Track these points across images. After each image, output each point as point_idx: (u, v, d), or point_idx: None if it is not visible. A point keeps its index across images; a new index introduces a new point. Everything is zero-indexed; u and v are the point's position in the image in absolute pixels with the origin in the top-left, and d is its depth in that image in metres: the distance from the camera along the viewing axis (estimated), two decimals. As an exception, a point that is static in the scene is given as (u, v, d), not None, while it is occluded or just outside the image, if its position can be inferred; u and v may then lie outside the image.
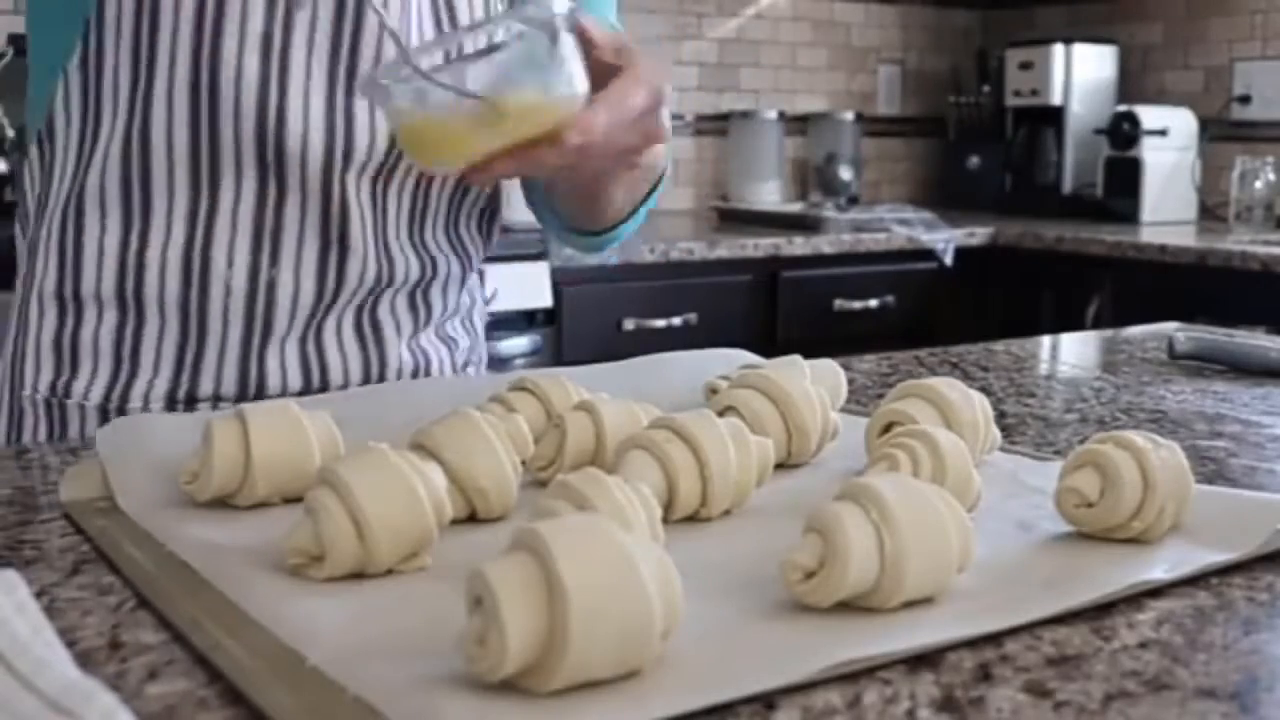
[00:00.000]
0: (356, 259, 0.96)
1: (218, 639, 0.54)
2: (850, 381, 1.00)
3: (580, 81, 0.78)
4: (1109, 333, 1.47)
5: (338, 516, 0.60)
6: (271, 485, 0.71)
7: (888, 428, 0.80)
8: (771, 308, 2.75)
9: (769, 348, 1.11)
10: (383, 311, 1.01)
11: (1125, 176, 3.16)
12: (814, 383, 0.84)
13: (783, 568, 0.57)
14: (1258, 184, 3.06)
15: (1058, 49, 3.30)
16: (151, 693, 0.50)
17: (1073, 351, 1.38)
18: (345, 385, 1.00)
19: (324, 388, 1.00)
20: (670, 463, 0.69)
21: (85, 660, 0.52)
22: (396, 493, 0.61)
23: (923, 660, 0.53)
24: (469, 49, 0.87)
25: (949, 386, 0.81)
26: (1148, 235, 2.85)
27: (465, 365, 1.12)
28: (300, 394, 0.97)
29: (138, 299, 0.95)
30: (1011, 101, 3.38)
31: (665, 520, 0.65)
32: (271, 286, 0.95)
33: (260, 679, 0.50)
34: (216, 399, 0.97)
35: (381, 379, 1.02)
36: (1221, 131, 3.23)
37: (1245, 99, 3.24)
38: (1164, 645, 0.55)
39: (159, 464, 0.74)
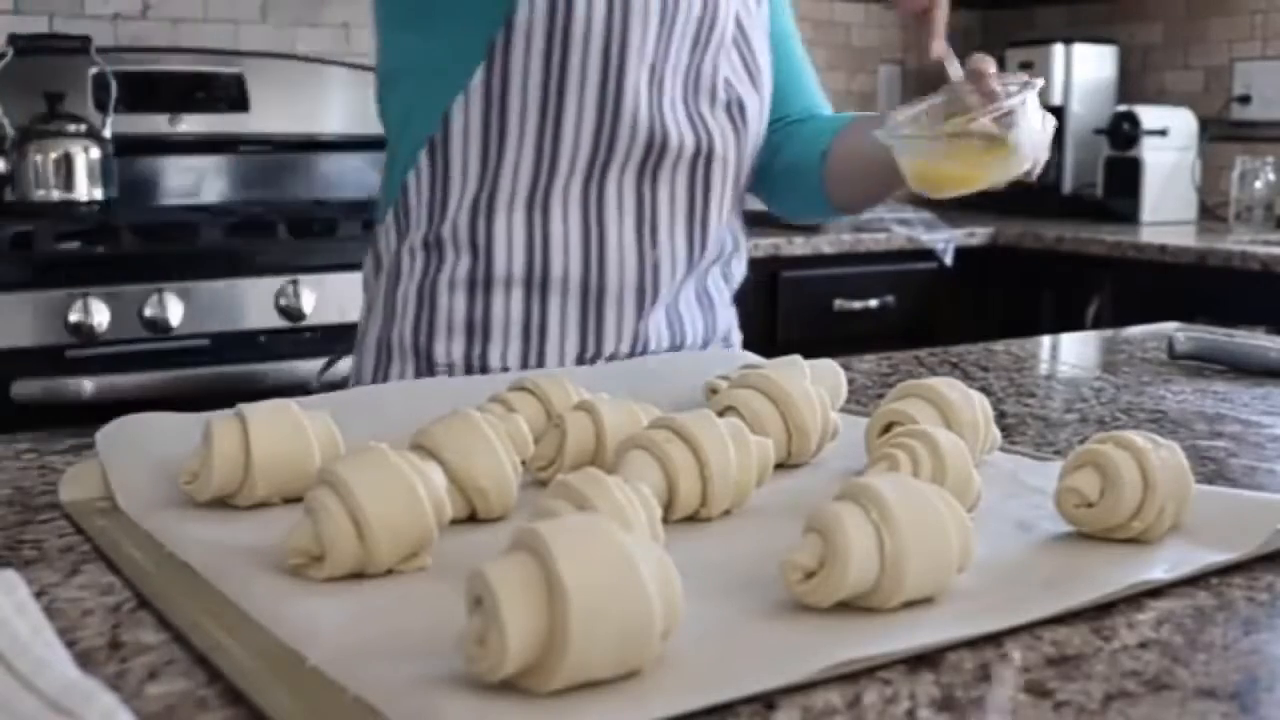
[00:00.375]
0: (714, 233, 1.18)
1: (218, 639, 0.54)
2: (850, 381, 1.00)
3: (1041, 131, 0.99)
4: (1109, 333, 1.47)
5: (338, 516, 0.60)
6: (271, 485, 0.71)
7: (888, 428, 0.80)
8: (771, 308, 2.74)
9: (769, 348, 1.11)
10: (711, 281, 1.24)
11: (1125, 176, 3.16)
12: (814, 383, 0.84)
13: (783, 568, 0.57)
14: (1258, 184, 3.05)
15: (1058, 49, 3.30)
16: (151, 693, 0.50)
17: (1073, 351, 1.38)
18: (699, 345, 1.21)
19: (680, 346, 1.19)
20: (670, 463, 0.69)
21: (85, 660, 0.52)
22: (396, 493, 0.61)
23: (923, 660, 0.53)
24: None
25: (949, 386, 0.81)
26: (1148, 235, 2.85)
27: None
28: (670, 348, 1.18)
29: (544, 280, 1.12)
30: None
31: (665, 520, 0.65)
32: (655, 264, 1.15)
33: (260, 679, 0.50)
34: (612, 358, 1.14)
35: (706, 345, 1.22)
36: (1221, 131, 3.23)
37: (1245, 99, 3.24)
38: (1164, 645, 0.55)
39: (159, 464, 0.74)
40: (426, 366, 1.13)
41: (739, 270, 1.28)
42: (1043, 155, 1.01)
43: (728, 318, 1.27)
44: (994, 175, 0.99)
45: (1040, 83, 0.98)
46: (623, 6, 1.06)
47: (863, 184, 1.22)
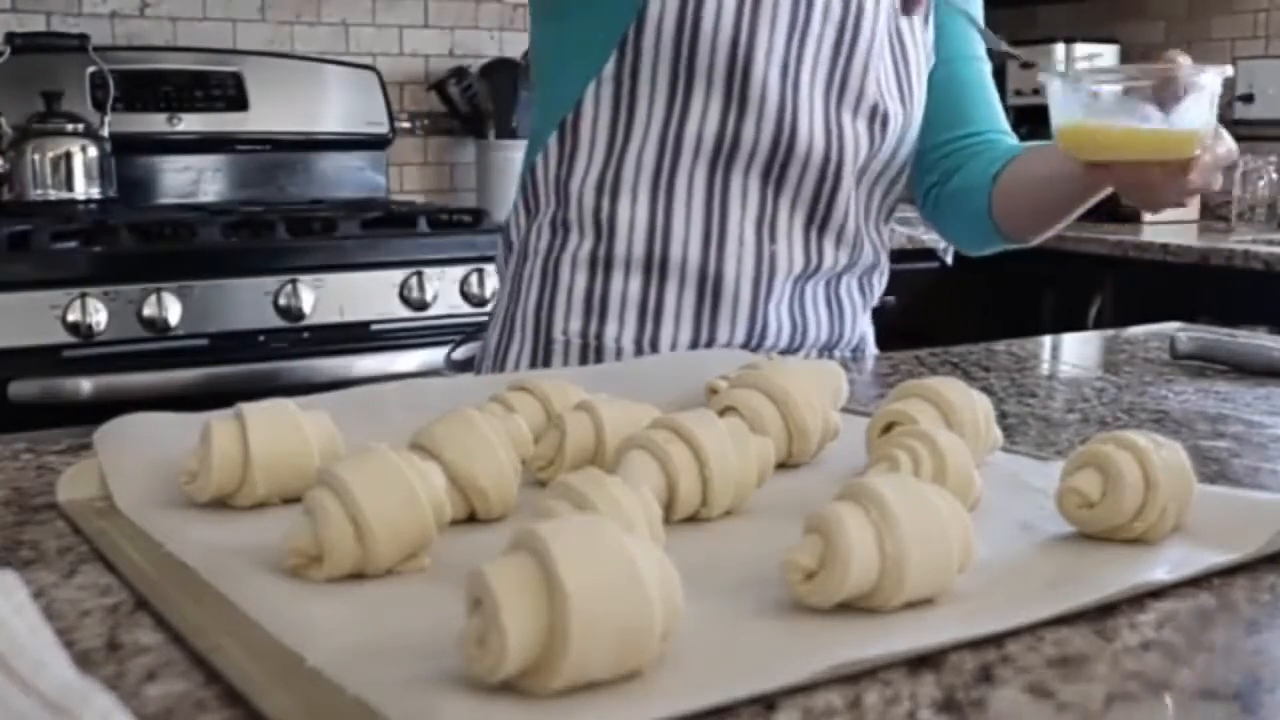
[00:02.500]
0: (836, 240, 1.21)
1: (216, 640, 0.53)
2: (850, 381, 0.99)
3: (1211, 127, 0.95)
4: (1111, 333, 1.47)
5: (337, 517, 0.59)
6: (270, 485, 0.71)
7: (888, 428, 0.80)
8: (772, 307, 2.74)
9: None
10: (844, 288, 1.25)
11: (1126, 176, 3.16)
12: (814, 383, 0.84)
13: (783, 568, 0.57)
14: (1260, 183, 3.05)
15: (1059, 48, 3.30)
16: (150, 694, 0.50)
17: (1074, 351, 1.38)
18: (821, 347, 1.24)
19: (800, 345, 1.21)
20: (670, 463, 0.69)
21: (83, 661, 0.52)
22: (396, 493, 0.60)
23: (924, 661, 0.53)
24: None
25: (950, 387, 0.81)
26: (1149, 235, 2.84)
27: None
28: (786, 351, 1.19)
29: (663, 264, 1.15)
30: (1013, 101, 3.38)
31: (665, 520, 0.65)
32: (773, 258, 1.17)
33: (259, 680, 0.49)
34: (727, 345, 1.16)
35: (831, 351, 1.24)
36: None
37: (1248, 98, 3.24)
38: (1166, 646, 0.55)
39: (157, 464, 0.74)
40: (545, 342, 1.18)
41: (879, 284, 1.28)
42: (1218, 155, 0.96)
43: (860, 327, 1.28)
44: (1152, 150, 0.93)
45: (1229, 71, 0.94)
46: (753, 5, 1.10)
47: (1034, 208, 1.22)
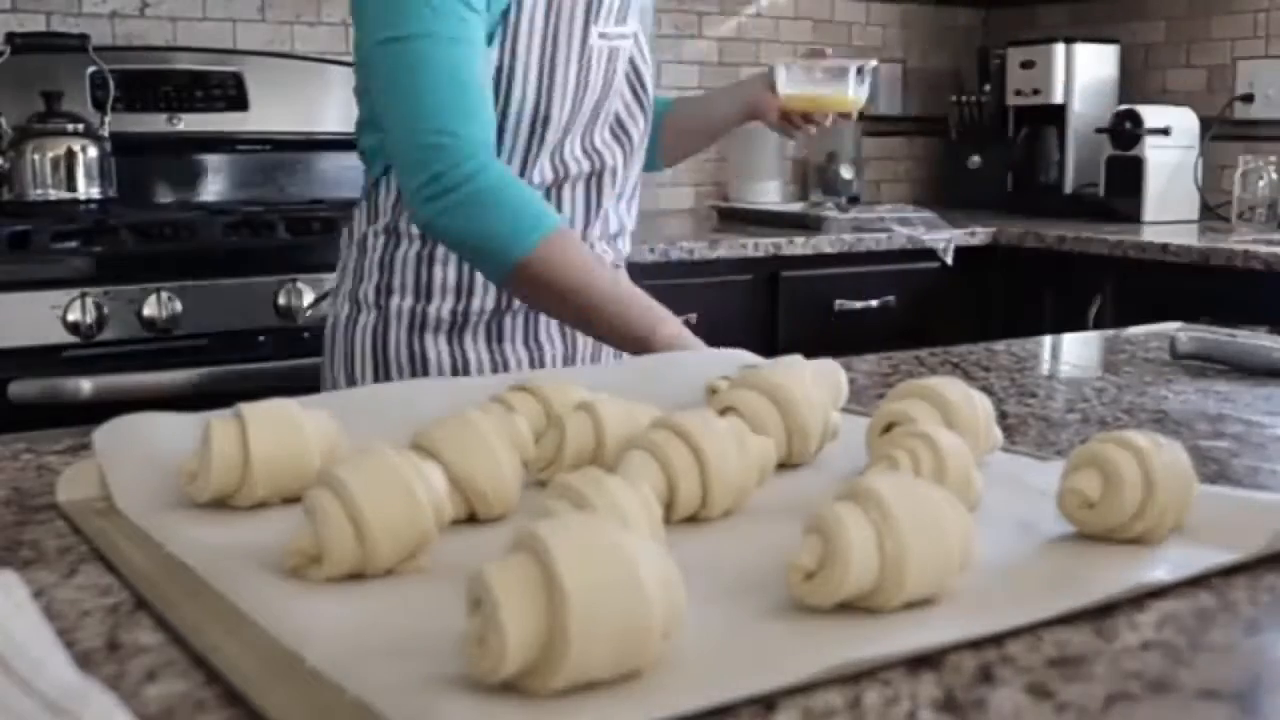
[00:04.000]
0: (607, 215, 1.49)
1: (216, 640, 0.53)
2: (850, 381, 0.99)
3: (863, 100, 1.55)
4: (1111, 333, 1.47)
5: (337, 517, 0.59)
6: (270, 486, 0.71)
7: (888, 428, 0.80)
8: (772, 308, 2.74)
9: (769, 348, 1.11)
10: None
11: (1127, 176, 3.16)
12: (814, 383, 0.84)
13: (783, 568, 0.57)
14: (1260, 183, 3.05)
15: (1059, 48, 3.30)
16: (150, 694, 0.50)
17: (1074, 351, 1.38)
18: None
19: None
20: (670, 463, 0.69)
21: (84, 661, 0.52)
22: (396, 494, 0.60)
23: (924, 661, 0.53)
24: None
25: (950, 387, 0.81)
26: (1150, 235, 2.84)
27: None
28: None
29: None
30: (1013, 101, 3.37)
31: (665, 520, 0.65)
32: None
33: (259, 680, 0.49)
34: None
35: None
36: (1224, 130, 3.22)
37: (1248, 98, 3.23)
38: (1166, 646, 0.55)
39: (157, 464, 0.74)
40: (383, 318, 1.39)
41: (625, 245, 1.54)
42: (855, 109, 1.55)
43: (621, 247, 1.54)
44: (839, 106, 1.51)
45: (874, 63, 1.58)
46: (549, 82, 1.34)
47: (689, 144, 1.67)
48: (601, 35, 1.38)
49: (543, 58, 1.34)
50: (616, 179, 1.44)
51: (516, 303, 1.37)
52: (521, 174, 1.35)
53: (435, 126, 1.24)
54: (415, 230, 1.37)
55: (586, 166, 1.40)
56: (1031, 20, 3.73)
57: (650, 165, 1.61)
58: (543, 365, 1.41)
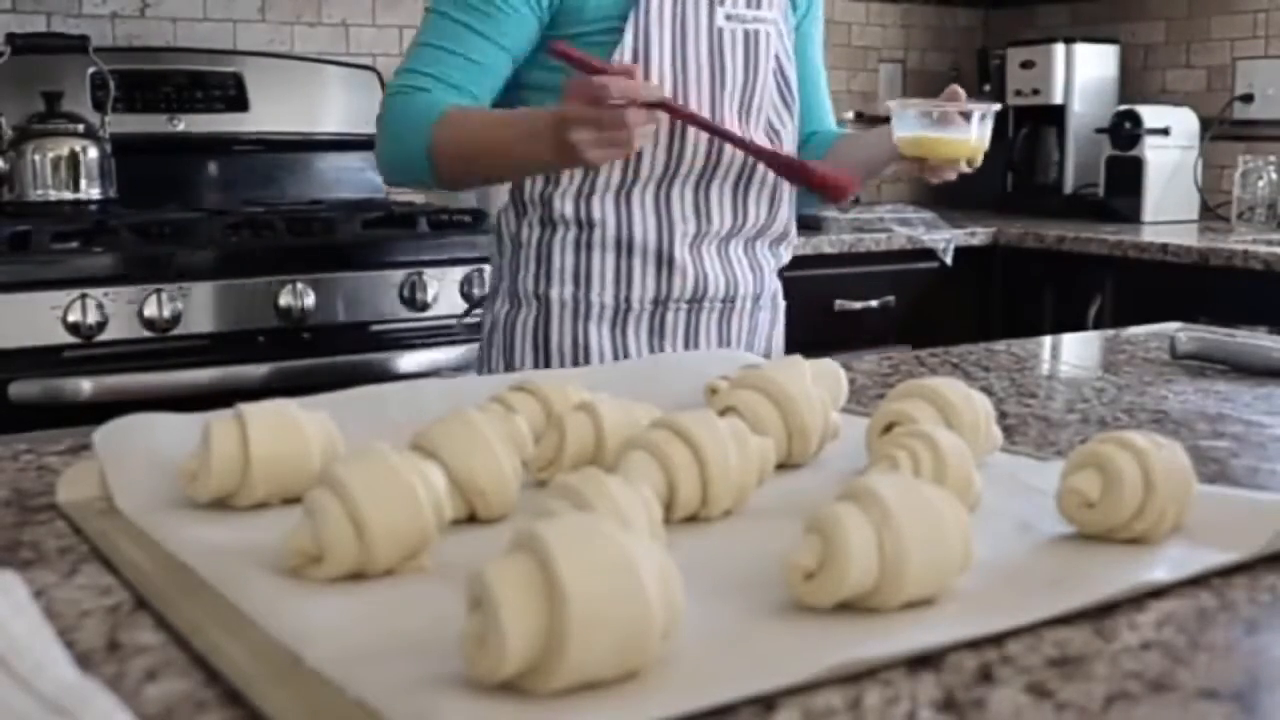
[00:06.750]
0: (753, 211, 1.50)
1: (216, 640, 0.53)
2: (850, 381, 1.00)
3: (983, 139, 1.43)
4: (1110, 333, 1.47)
5: (337, 517, 0.59)
6: (270, 486, 0.71)
7: (888, 428, 0.80)
8: (772, 307, 2.74)
9: (770, 347, 1.11)
10: (758, 251, 1.56)
11: (1127, 176, 3.16)
12: (814, 383, 0.84)
13: (783, 568, 0.57)
14: (1260, 183, 3.05)
15: (1059, 48, 3.30)
16: (150, 694, 0.50)
17: (1074, 351, 1.38)
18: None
19: (734, 296, 1.52)
20: (670, 463, 0.69)
21: (84, 661, 0.52)
22: (396, 494, 0.60)
23: (924, 661, 0.53)
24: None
25: (950, 387, 0.81)
26: (1149, 235, 2.84)
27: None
28: (721, 299, 1.50)
29: (629, 244, 1.42)
30: (1013, 101, 3.37)
31: (665, 520, 0.65)
32: (701, 235, 1.47)
33: (259, 680, 0.50)
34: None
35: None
36: (1224, 130, 3.22)
37: (1248, 98, 3.23)
38: (1165, 646, 0.55)
39: (157, 464, 0.74)
40: (544, 306, 1.42)
41: (786, 251, 1.60)
42: (979, 159, 1.43)
43: (774, 284, 1.59)
44: (953, 152, 1.41)
45: (997, 107, 1.43)
46: (682, 63, 1.36)
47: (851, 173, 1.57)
48: (729, 17, 1.39)
49: (674, 40, 1.36)
50: (767, 181, 1.46)
51: (676, 293, 1.42)
52: (671, 161, 1.38)
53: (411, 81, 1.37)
54: (570, 215, 1.40)
55: (739, 157, 1.40)
56: (1031, 20, 3.73)
57: (810, 203, 1.61)
58: None
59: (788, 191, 1.51)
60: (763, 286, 1.54)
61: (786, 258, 1.60)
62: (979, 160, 1.43)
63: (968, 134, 1.39)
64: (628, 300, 1.42)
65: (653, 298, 1.43)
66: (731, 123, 1.41)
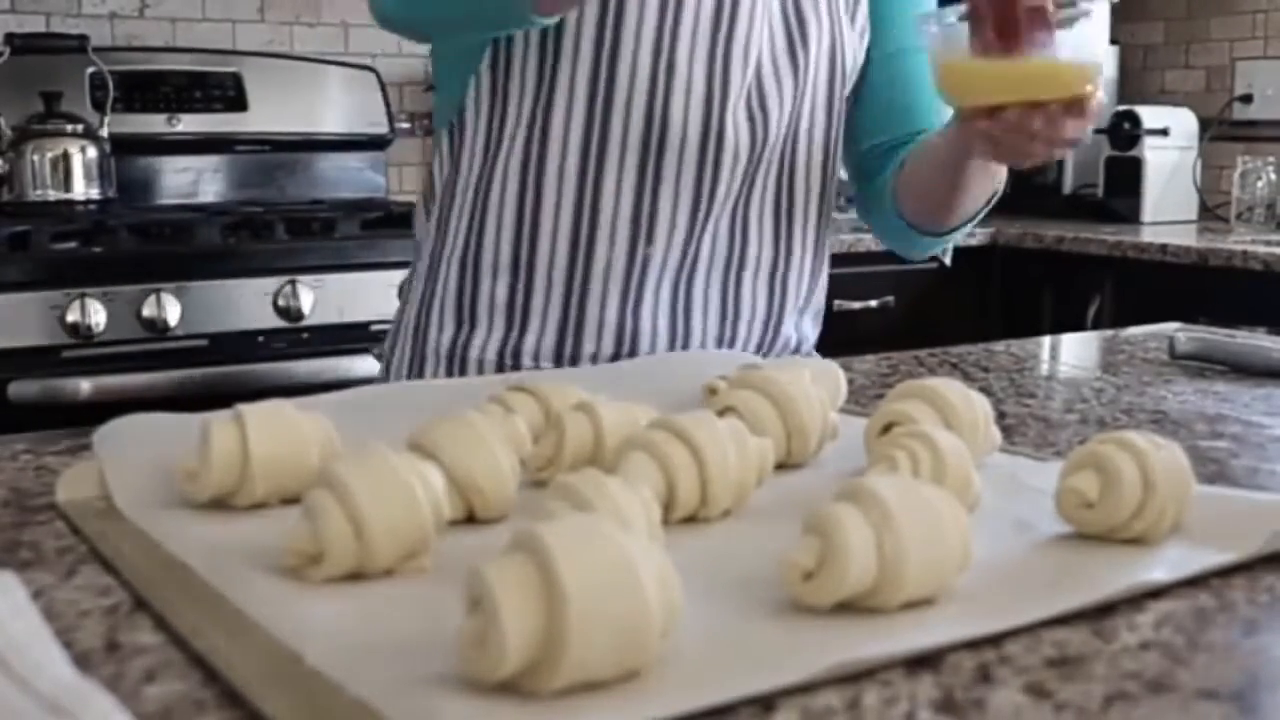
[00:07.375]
0: (723, 233, 1.13)
1: (216, 640, 0.53)
2: (850, 381, 1.00)
3: (1101, 62, 0.83)
4: (1109, 333, 1.47)
5: (336, 517, 0.59)
6: (270, 486, 0.71)
7: (887, 428, 0.80)
8: (772, 308, 2.74)
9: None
10: (744, 288, 1.16)
11: (1126, 176, 3.16)
12: (814, 383, 0.84)
13: (782, 568, 0.57)
14: (1259, 184, 3.05)
15: (1058, 49, 3.30)
16: (149, 694, 0.50)
17: (1073, 352, 1.38)
18: (703, 346, 1.15)
19: (687, 346, 1.14)
20: (670, 463, 0.69)
21: (83, 662, 0.52)
22: (395, 493, 0.60)
23: (922, 661, 0.53)
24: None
25: (949, 387, 0.81)
26: (1148, 235, 2.84)
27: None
28: (669, 347, 1.13)
29: (530, 266, 1.10)
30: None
31: (665, 521, 0.65)
32: (645, 262, 1.10)
33: (258, 680, 0.49)
34: (594, 358, 1.12)
35: (732, 345, 1.17)
36: (1223, 131, 3.22)
37: (1247, 98, 3.23)
38: (1165, 646, 0.55)
39: (156, 464, 0.74)
40: (419, 356, 1.16)
41: (806, 283, 1.21)
42: (1098, 88, 0.85)
43: (786, 331, 1.20)
44: (1038, 88, 0.81)
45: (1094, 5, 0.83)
46: (672, 25, 1.06)
47: (922, 190, 1.16)
48: None
49: None
50: (738, 170, 1.10)
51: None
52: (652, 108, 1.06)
53: None
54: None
55: (698, 131, 1.07)
56: (1031, 21, 3.73)
57: (890, 225, 1.23)
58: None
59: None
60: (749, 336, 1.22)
61: (809, 288, 1.23)
62: (1099, 88, 0.85)
63: (1053, 49, 0.80)
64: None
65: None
66: (693, 79, 1.07)
